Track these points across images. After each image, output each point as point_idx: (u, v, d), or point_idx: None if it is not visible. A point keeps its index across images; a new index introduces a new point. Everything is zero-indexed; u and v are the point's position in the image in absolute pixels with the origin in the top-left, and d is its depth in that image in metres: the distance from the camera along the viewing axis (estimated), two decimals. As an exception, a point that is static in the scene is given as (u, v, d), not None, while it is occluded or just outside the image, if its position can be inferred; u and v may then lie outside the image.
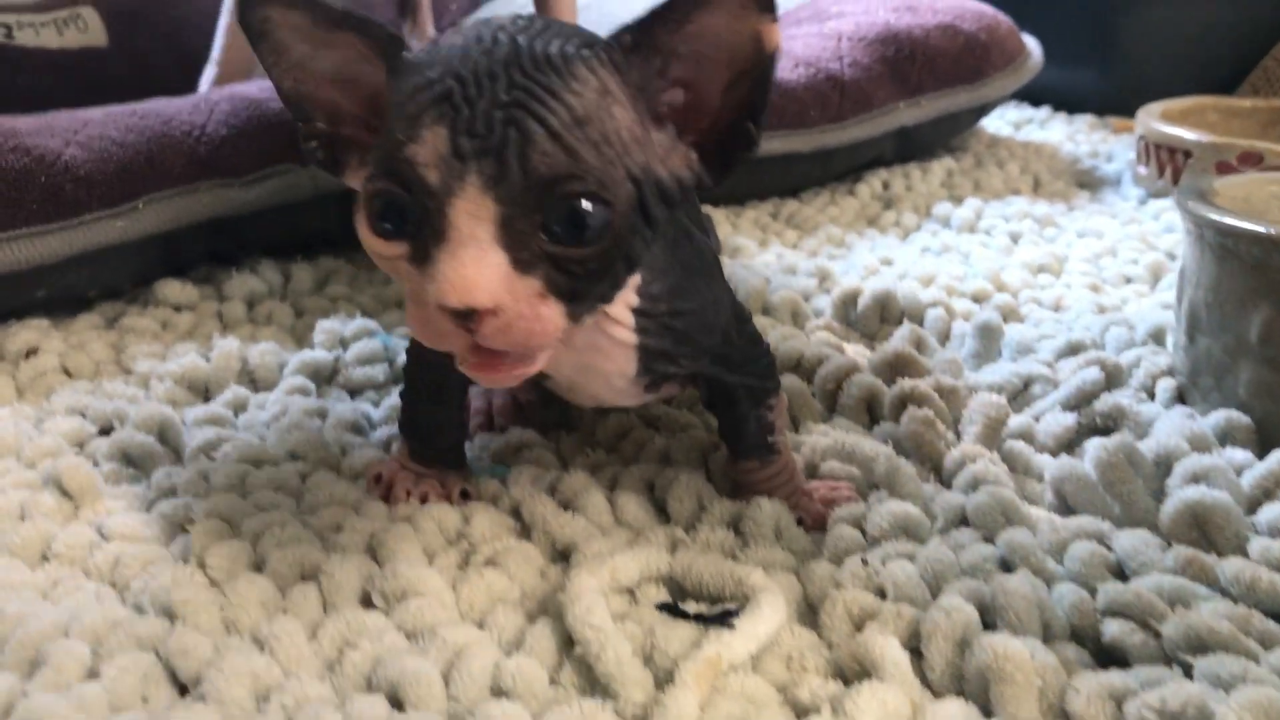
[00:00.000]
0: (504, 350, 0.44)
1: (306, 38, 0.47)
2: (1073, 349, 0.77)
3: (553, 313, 0.44)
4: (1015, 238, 1.05)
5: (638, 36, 0.46)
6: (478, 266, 0.42)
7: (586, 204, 0.43)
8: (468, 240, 0.42)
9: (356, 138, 0.49)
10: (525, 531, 0.59)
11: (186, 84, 1.44)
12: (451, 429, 0.63)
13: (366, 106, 0.49)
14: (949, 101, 1.20)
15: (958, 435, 0.67)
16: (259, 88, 0.91)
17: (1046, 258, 0.98)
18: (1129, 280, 0.96)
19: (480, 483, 0.64)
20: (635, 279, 0.52)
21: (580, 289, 0.45)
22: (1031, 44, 1.30)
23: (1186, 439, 0.63)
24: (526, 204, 0.43)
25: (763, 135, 0.48)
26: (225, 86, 0.92)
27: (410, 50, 0.47)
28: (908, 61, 1.18)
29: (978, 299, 0.89)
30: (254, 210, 0.86)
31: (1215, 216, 0.66)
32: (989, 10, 1.27)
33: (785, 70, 1.10)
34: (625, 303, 0.52)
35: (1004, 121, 1.41)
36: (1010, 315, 0.87)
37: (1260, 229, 0.63)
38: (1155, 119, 1.16)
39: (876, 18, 1.21)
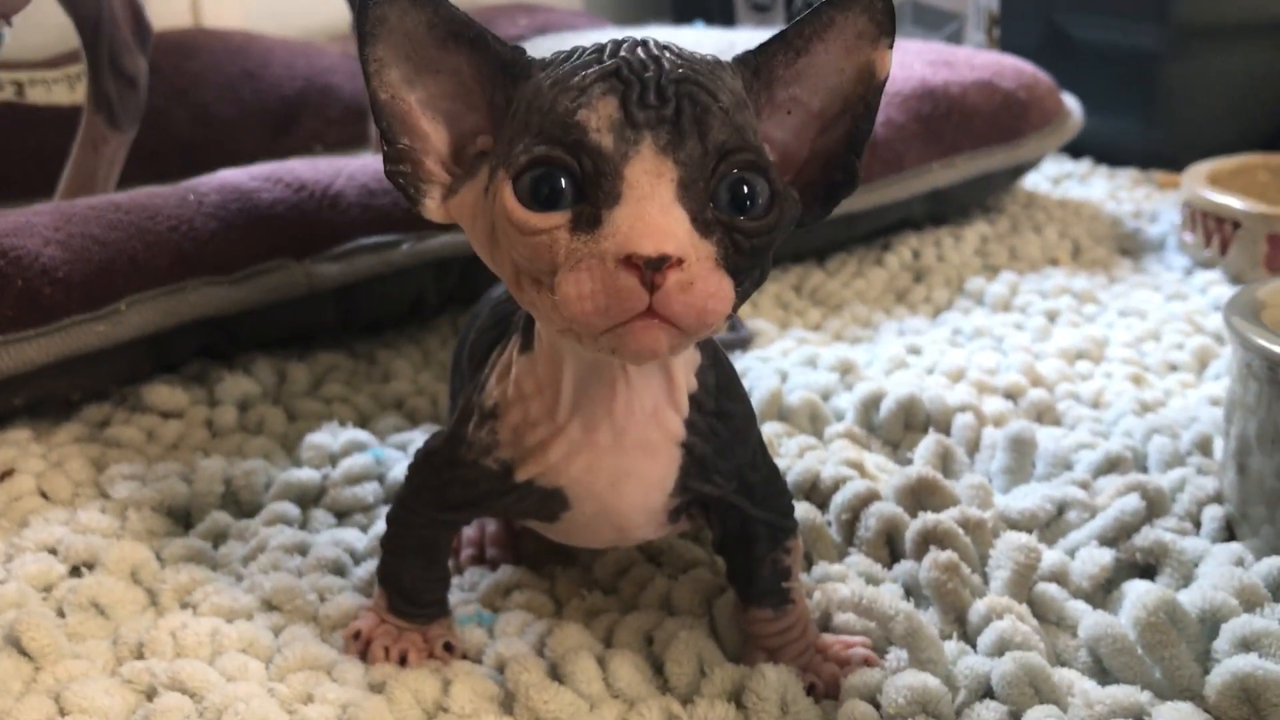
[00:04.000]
0: (671, 323, 0.42)
1: (414, 54, 0.46)
2: (1111, 464, 0.72)
3: (725, 285, 0.43)
4: (1052, 316, 0.99)
5: (758, 61, 0.47)
6: (666, 216, 0.42)
7: (755, 176, 0.44)
8: (650, 195, 0.42)
9: (436, 173, 0.48)
10: (508, 701, 0.55)
11: (198, 137, 1.42)
12: (437, 584, 0.59)
13: (454, 147, 0.48)
14: (984, 162, 1.14)
15: (984, 578, 0.62)
16: (250, 175, 0.87)
17: (1085, 342, 0.92)
18: (1173, 368, 0.90)
19: (465, 631, 0.60)
20: (694, 357, 0.51)
21: (743, 266, 0.44)
22: (1071, 103, 1.24)
23: (1235, 592, 0.58)
24: (703, 170, 0.43)
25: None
26: (217, 175, 0.88)
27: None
28: (943, 120, 1.12)
29: (1011, 395, 0.83)
30: (244, 309, 0.82)
31: (1264, 343, 0.60)
32: (1028, 67, 1.21)
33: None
34: (684, 384, 0.51)
35: (1042, 176, 1.35)
36: (1046, 414, 0.82)
37: (1316, 363, 0.58)
38: (1201, 184, 1.10)
39: (912, 72, 1.16)
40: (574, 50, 0.46)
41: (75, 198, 1.04)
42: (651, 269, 0.41)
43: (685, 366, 0.51)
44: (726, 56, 1.31)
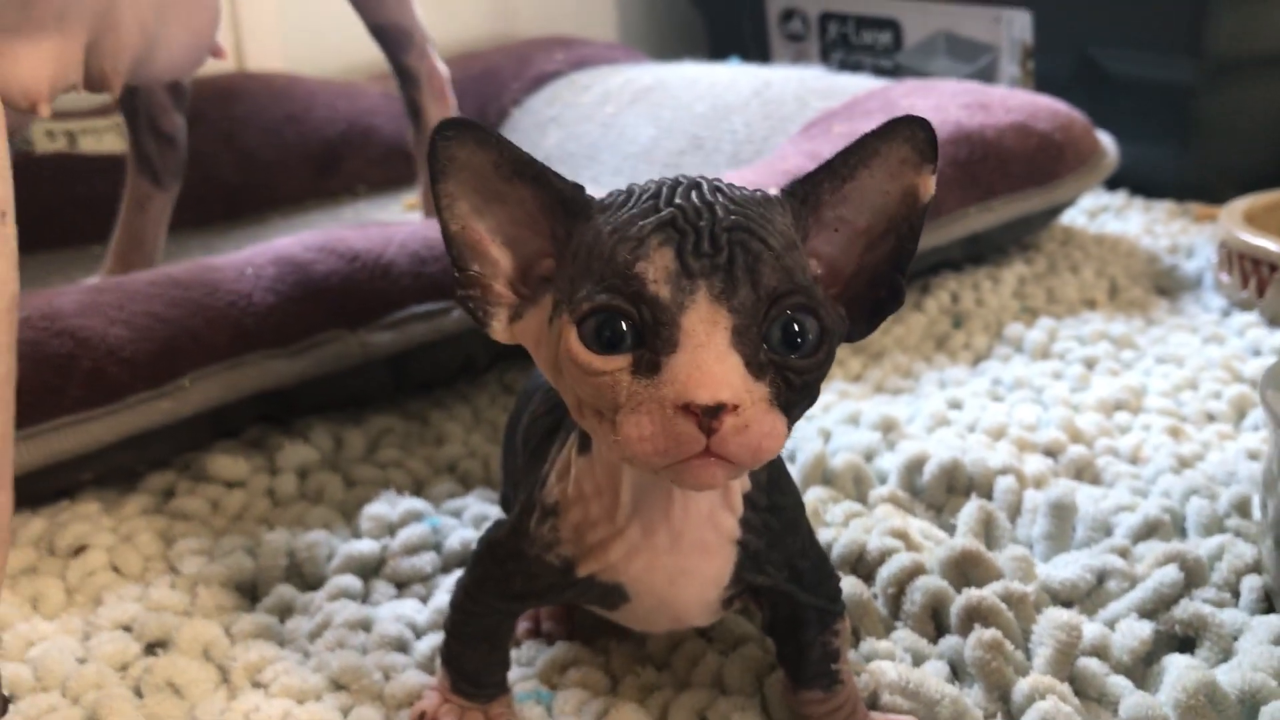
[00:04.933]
0: (727, 460, 0.45)
1: (482, 186, 0.49)
2: (1150, 529, 0.74)
3: (779, 423, 0.45)
4: (1091, 364, 1.00)
5: (806, 190, 0.49)
6: (722, 365, 0.44)
7: (806, 317, 0.46)
8: (706, 344, 0.44)
9: (504, 295, 0.51)
10: (570, 784, 0.57)
11: (244, 181, 1.45)
12: (498, 666, 0.61)
13: (520, 269, 0.51)
14: (1021, 205, 1.16)
15: (1027, 653, 0.64)
16: (304, 246, 0.90)
17: (1123, 392, 0.94)
18: (1211, 418, 0.91)
19: (524, 708, 0.62)
20: None
21: (794, 401, 0.46)
22: (1107, 141, 1.25)
23: (1274, 673, 0.60)
24: (755, 315, 0.45)
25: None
26: (272, 246, 0.90)
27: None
28: (979, 164, 1.14)
29: (1051, 452, 0.85)
30: (301, 380, 0.85)
31: (1302, 425, 0.62)
32: (1063, 108, 1.22)
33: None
34: (738, 486, 0.53)
35: (1079, 210, 1.36)
36: (1085, 471, 0.83)
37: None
38: (1238, 223, 1.11)
39: (948, 115, 1.17)
40: (630, 193, 0.48)
41: (127, 258, 1.07)
42: (709, 416, 0.43)
43: None
44: (763, 99, 1.32)
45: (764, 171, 1.06)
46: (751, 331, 0.45)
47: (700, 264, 0.45)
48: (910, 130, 0.49)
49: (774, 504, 0.55)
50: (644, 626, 0.61)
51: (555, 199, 0.50)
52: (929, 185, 0.49)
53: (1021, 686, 0.60)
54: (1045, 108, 1.21)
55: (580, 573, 0.55)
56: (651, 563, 0.54)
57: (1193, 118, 1.35)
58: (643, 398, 0.45)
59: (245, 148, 1.45)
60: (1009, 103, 1.20)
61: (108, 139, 1.42)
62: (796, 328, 0.46)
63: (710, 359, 0.44)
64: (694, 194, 0.47)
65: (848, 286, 0.51)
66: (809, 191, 0.50)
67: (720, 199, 0.47)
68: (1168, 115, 1.36)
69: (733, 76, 1.43)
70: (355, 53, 1.63)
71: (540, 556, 0.55)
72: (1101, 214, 1.38)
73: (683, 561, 0.54)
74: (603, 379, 0.46)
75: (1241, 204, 1.15)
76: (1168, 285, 1.18)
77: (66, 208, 1.35)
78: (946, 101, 1.20)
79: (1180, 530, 0.76)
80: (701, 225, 0.46)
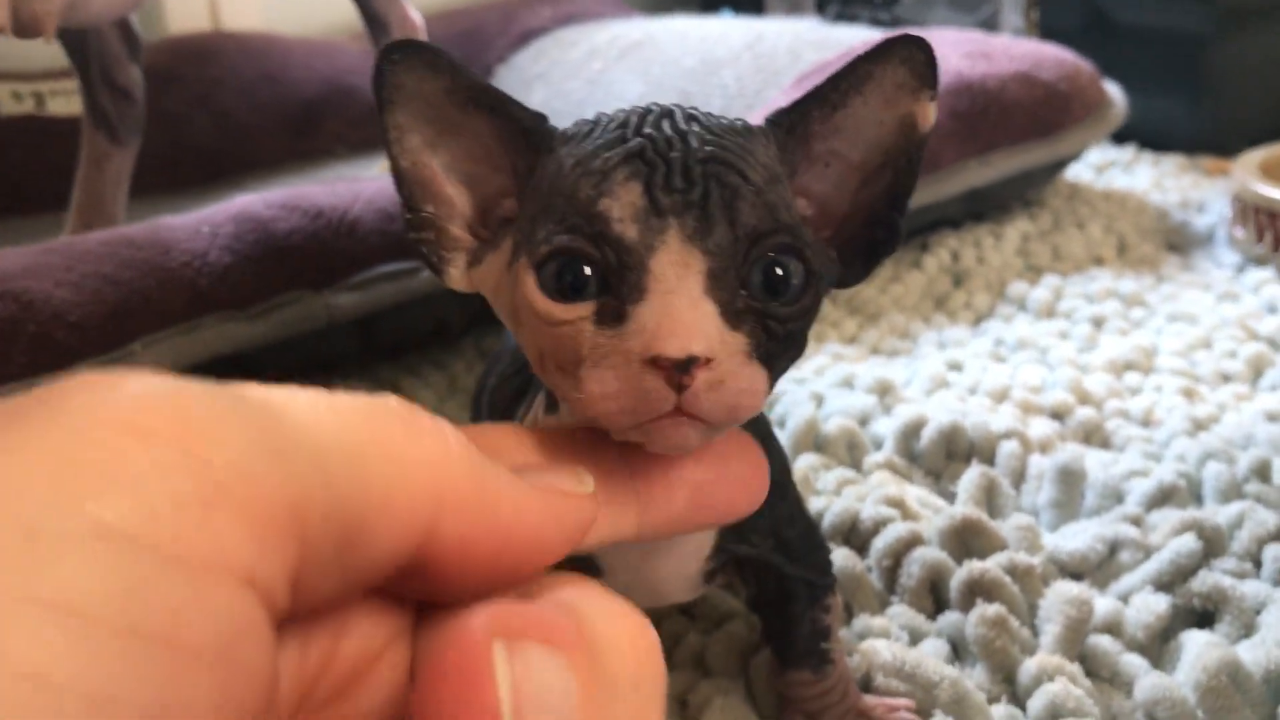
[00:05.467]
0: (700, 419, 0.39)
1: (435, 117, 0.43)
2: (1165, 495, 0.69)
3: (758, 377, 0.40)
4: (1099, 323, 0.95)
5: (792, 120, 0.44)
6: (694, 314, 0.38)
7: (790, 259, 0.41)
8: (677, 290, 0.39)
9: (461, 239, 0.45)
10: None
11: (219, 144, 1.40)
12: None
13: (479, 210, 0.46)
14: (1023, 158, 1.11)
15: (1034, 629, 0.59)
16: (266, 203, 0.85)
17: (1133, 352, 0.89)
18: (1226, 378, 0.86)
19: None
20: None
21: (776, 353, 0.41)
22: (1114, 92, 1.20)
23: (1301, 650, 0.55)
24: (733, 257, 0.40)
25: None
26: (233, 204, 0.85)
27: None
28: (980, 116, 1.08)
29: (1058, 414, 0.80)
30: (262, 345, 0.80)
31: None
32: (1069, 56, 1.17)
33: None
34: None
35: (1085, 165, 1.30)
36: (1094, 434, 0.79)
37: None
38: (1253, 175, 1.06)
39: (949, 64, 1.11)
40: (597, 122, 0.43)
41: (87, 219, 1.02)
42: (680, 370, 0.38)
43: None
44: (755, 52, 1.27)
45: (755, 124, 1.01)
46: (729, 275, 0.40)
47: (671, 200, 0.40)
48: (907, 51, 0.43)
49: None
50: None
51: (516, 130, 0.44)
52: (929, 113, 0.44)
53: (1028, 666, 0.56)
54: (1050, 56, 1.16)
55: None
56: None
57: (1204, 68, 1.29)
58: (607, 350, 0.39)
59: (221, 109, 1.40)
60: (1012, 51, 1.15)
61: (77, 101, 1.37)
62: (779, 271, 0.41)
63: (682, 306, 0.39)
64: (665, 123, 0.42)
65: (841, 228, 0.46)
66: (796, 121, 0.44)
67: (695, 128, 0.41)
68: (1178, 66, 1.30)
69: (724, 29, 1.38)
70: (334, 11, 1.58)
71: None
72: (1109, 169, 1.32)
73: None
74: (563, 329, 0.40)
75: (1256, 155, 1.10)
76: (1179, 241, 1.13)
77: (35, 172, 1.30)
78: (947, 50, 1.15)
79: (1196, 497, 0.71)
80: (673, 157, 0.40)
